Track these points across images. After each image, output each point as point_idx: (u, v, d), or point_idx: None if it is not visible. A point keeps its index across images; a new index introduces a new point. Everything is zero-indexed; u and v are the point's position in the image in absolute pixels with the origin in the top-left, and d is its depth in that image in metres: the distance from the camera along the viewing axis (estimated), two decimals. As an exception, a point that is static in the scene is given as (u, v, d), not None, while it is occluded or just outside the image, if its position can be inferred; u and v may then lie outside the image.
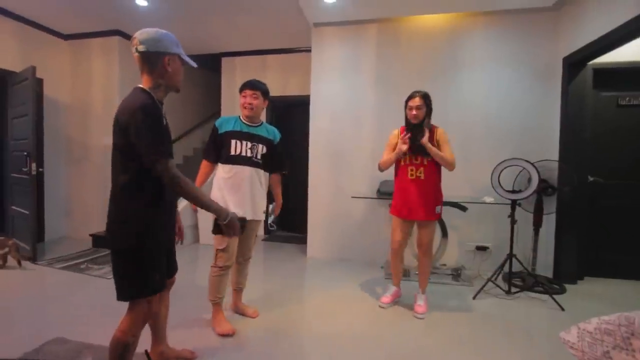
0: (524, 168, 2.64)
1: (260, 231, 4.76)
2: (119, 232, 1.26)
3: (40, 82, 3.97)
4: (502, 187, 2.71)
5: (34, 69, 3.36)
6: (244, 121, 2.11)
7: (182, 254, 3.76)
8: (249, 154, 2.06)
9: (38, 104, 3.92)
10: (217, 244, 2.04)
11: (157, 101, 1.31)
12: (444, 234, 3.17)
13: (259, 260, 3.68)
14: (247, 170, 2.04)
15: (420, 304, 2.39)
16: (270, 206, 2.32)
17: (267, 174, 2.24)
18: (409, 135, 2.25)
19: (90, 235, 4.03)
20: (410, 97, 2.29)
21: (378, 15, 3.48)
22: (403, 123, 2.38)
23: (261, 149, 2.11)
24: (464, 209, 3.06)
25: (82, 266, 3.26)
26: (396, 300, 2.57)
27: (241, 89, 2.10)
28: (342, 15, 3.51)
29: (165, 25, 3.89)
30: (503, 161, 2.70)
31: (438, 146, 2.26)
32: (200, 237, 4.29)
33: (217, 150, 2.08)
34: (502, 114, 3.29)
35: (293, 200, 4.87)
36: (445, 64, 3.40)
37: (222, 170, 2.06)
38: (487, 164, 3.18)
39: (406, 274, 3.18)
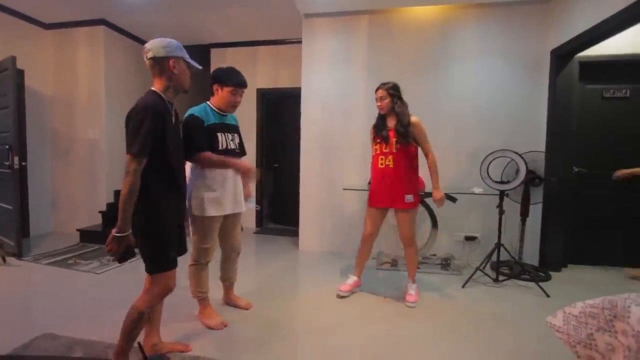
0: (512, 159, 2.68)
1: (252, 224, 4.75)
2: (136, 215, 1.40)
3: (21, 73, 3.84)
4: (490, 178, 2.75)
5: (13, 59, 3.23)
6: (217, 110, 1.99)
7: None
8: (232, 147, 2.00)
9: (19, 95, 3.79)
10: (199, 241, 1.97)
11: (167, 102, 1.47)
12: (434, 224, 3.21)
13: (251, 253, 3.66)
14: None
15: (411, 294, 2.42)
16: (250, 199, 2.24)
17: None
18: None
19: (78, 230, 3.95)
20: (377, 89, 2.34)
21: (370, 6, 3.46)
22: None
23: (237, 138, 2.07)
24: (454, 199, 3.08)
25: (70, 261, 3.21)
26: (355, 290, 2.57)
27: (234, 85, 1.94)
28: (333, 5, 3.47)
29: (152, 15, 3.79)
30: (492, 152, 2.73)
31: (416, 141, 2.30)
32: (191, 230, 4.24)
33: (207, 141, 1.93)
34: (492, 106, 3.32)
35: (285, 193, 4.87)
36: (437, 56, 3.40)
37: (207, 170, 1.92)
38: (478, 155, 3.22)
39: (394, 263, 3.21)
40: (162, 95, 1.47)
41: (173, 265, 1.51)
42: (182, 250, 1.65)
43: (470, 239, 3.36)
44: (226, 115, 2.05)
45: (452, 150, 3.40)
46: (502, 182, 2.78)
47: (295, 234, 4.15)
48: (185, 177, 1.65)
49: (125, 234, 1.36)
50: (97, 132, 4.13)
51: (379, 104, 2.32)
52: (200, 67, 1.58)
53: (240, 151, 2.11)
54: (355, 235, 3.62)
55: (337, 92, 3.64)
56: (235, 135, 2.06)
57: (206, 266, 2.05)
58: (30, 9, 3.80)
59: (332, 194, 3.67)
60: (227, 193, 1.97)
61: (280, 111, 4.89)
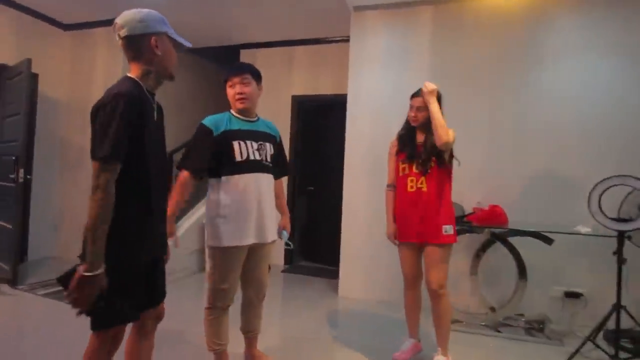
0: (634, 188, 2.45)
1: (280, 260, 4.68)
2: (86, 245, 1.26)
3: (35, 77, 4.19)
4: (603, 213, 2.51)
5: (29, 61, 3.54)
6: (239, 117, 2.02)
7: (184, 286, 3.73)
8: (257, 157, 1.96)
9: (32, 101, 4.12)
10: (215, 280, 1.92)
11: (145, 91, 1.36)
12: (522, 273, 2.99)
13: (277, 297, 3.62)
14: (259, 178, 1.95)
15: None
16: (284, 233, 2.19)
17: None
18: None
19: (79, 256, 4.09)
20: (413, 95, 2.33)
21: (435, -5, 3.43)
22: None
23: (269, 148, 2.04)
24: (548, 241, 2.88)
25: (68, 294, 3.28)
26: (417, 357, 2.41)
27: (225, 78, 2.02)
28: (389, -5, 3.49)
29: (178, 13, 4.02)
30: (605, 179, 2.51)
31: (441, 156, 2.22)
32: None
33: (208, 159, 1.91)
34: (601, 117, 3.11)
35: (321, 224, 4.79)
36: (523, 55, 3.28)
37: (223, 187, 1.89)
38: (582, 182, 2.99)
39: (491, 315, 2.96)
40: (140, 83, 1.36)
41: (123, 319, 1.32)
42: (156, 297, 1.46)
43: (572, 295, 3.08)
44: (255, 121, 2.06)
45: (545, 176, 3.20)
46: (620, 220, 2.53)
47: (333, 275, 4.05)
48: (167, 194, 1.52)
49: (99, 271, 1.18)
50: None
51: (413, 114, 2.29)
52: (189, 45, 1.48)
53: (275, 164, 2.08)
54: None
55: (392, 100, 3.58)
56: (267, 144, 2.04)
57: (225, 312, 2.00)
58: (50, 8, 4.18)
59: (382, 227, 3.51)
60: (249, 217, 1.92)
61: (320, 123, 4.91)
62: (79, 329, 2.64)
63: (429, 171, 2.23)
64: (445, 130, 2.12)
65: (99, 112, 1.25)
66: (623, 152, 3.04)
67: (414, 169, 2.27)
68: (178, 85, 5.23)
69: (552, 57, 3.22)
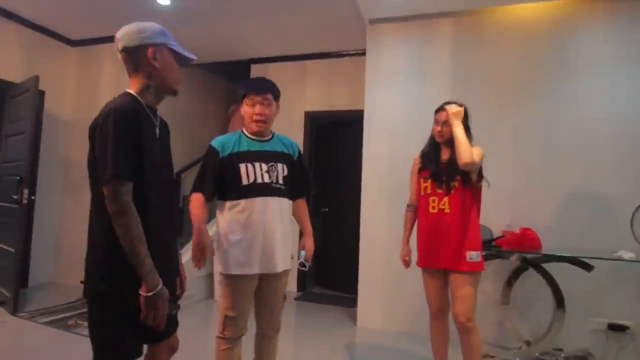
0: None
1: (292, 287, 4.62)
2: (91, 274, 1.30)
3: (41, 94, 4.31)
4: None
5: (37, 79, 3.64)
6: (250, 136, 2.00)
7: (192, 313, 3.70)
8: (267, 180, 1.93)
9: (37, 120, 4.23)
10: (224, 308, 1.91)
11: (145, 107, 1.36)
12: (559, 303, 2.89)
13: (290, 326, 3.56)
14: (267, 202, 1.91)
15: None
16: (302, 253, 2.14)
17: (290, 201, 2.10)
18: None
19: (82, 282, 4.09)
20: (438, 110, 2.33)
21: (455, 6, 3.46)
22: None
23: (281, 169, 1.99)
24: (588, 267, 2.78)
25: (70, 322, 3.29)
26: None
27: (245, 94, 1.97)
28: (407, 8, 3.52)
29: (188, 28, 4.12)
30: None
31: (467, 175, 2.20)
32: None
33: (216, 181, 1.93)
34: (637, 134, 3.05)
35: (336, 248, 4.73)
36: (551, 68, 3.27)
37: (229, 212, 1.90)
38: (623, 202, 2.94)
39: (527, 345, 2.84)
40: (139, 98, 1.36)
41: (129, 356, 1.31)
42: (168, 327, 1.37)
43: (617, 328, 2.96)
44: (268, 140, 2.03)
45: (579, 197, 3.13)
46: (669, 245, 2.42)
47: (350, 303, 4.01)
48: (173, 217, 1.49)
49: (159, 287, 1.22)
50: (114, 164, 4.42)
51: (439, 129, 2.28)
52: (193, 57, 1.47)
53: (293, 183, 2.04)
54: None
55: (411, 117, 3.58)
56: (280, 165, 2.00)
57: (237, 342, 1.96)
58: (57, 24, 4.32)
59: (403, 251, 3.47)
60: (254, 246, 1.89)
61: (334, 140, 4.92)
62: (82, 359, 2.62)
63: (452, 191, 2.19)
64: (467, 150, 2.10)
65: (95, 132, 1.26)
66: (667, 171, 2.97)
67: (437, 189, 2.23)
68: (187, 101, 5.34)
69: (582, 69, 3.19)
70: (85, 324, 3.22)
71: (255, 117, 1.95)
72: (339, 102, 4.65)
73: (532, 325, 3.09)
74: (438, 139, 2.30)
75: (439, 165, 2.26)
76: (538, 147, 3.25)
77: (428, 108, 3.51)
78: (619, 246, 2.81)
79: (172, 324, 1.47)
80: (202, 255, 1.85)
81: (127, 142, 1.23)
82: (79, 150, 4.59)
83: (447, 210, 2.19)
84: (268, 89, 1.97)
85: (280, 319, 2.09)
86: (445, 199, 2.20)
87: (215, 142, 1.99)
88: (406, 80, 3.63)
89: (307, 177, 2.21)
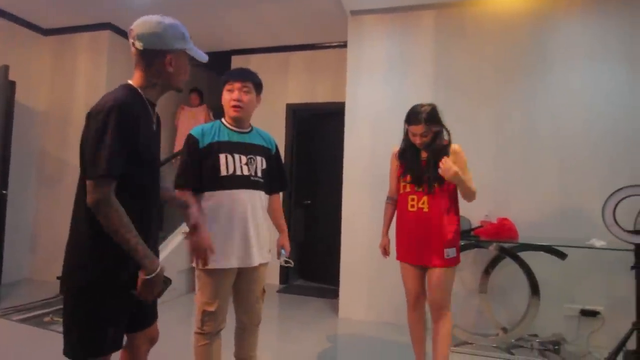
0: None
1: (275, 280, 4.63)
2: (70, 266, 1.31)
3: (12, 85, 4.16)
4: (619, 225, 2.53)
5: (6, 68, 3.53)
6: (230, 127, 2.00)
7: (172, 309, 3.67)
8: (245, 172, 1.94)
9: (8, 111, 4.09)
10: (203, 303, 1.90)
11: (146, 101, 1.37)
12: (534, 290, 2.97)
13: (273, 319, 3.57)
14: (244, 195, 1.91)
15: None
16: (282, 252, 2.17)
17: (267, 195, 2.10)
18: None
19: (58, 278, 4.01)
20: (410, 122, 2.24)
21: (436, -2, 3.48)
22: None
23: (260, 162, 2.00)
24: (562, 255, 2.88)
25: (46, 319, 3.22)
26: None
27: (225, 80, 1.99)
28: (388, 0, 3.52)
29: (166, 15, 4.04)
30: (619, 189, 2.55)
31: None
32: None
33: (198, 172, 1.90)
34: (614, 126, 3.14)
35: (319, 240, 4.75)
36: (530, 61, 3.32)
37: (205, 204, 1.89)
38: (595, 193, 3.01)
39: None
40: (140, 92, 1.36)
41: (109, 347, 1.30)
42: (147, 318, 1.46)
43: (589, 314, 3.07)
44: (247, 132, 2.03)
45: (554, 187, 3.21)
46: (638, 232, 2.55)
47: (333, 295, 4.03)
48: (156, 211, 1.49)
49: (157, 269, 1.26)
50: (91, 156, 4.32)
51: (419, 141, 2.22)
52: (205, 59, 1.48)
53: (270, 177, 2.05)
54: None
55: (393, 108, 3.59)
56: (258, 158, 2.00)
57: (216, 337, 1.95)
58: (29, 12, 4.18)
59: (385, 243, 3.51)
60: (232, 239, 1.89)
61: (316, 132, 4.92)
62: (59, 357, 2.58)
63: (431, 191, 2.21)
64: (473, 195, 2.19)
65: (90, 121, 1.25)
66: (637, 161, 3.06)
67: (416, 188, 2.26)
68: (166, 93, 5.24)
69: (560, 63, 3.26)
70: (61, 320, 3.19)
71: (233, 103, 1.95)
72: (321, 94, 4.64)
73: (509, 313, 3.18)
74: (419, 147, 2.26)
75: (419, 166, 2.26)
76: (517, 139, 3.32)
77: (409, 99, 3.52)
78: (592, 235, 2.90)
79: (152, 314, 1.48)
80: (204, 254, 1.75)
81: (124, 140, 1.23)
82: (54, 142, 4.48)
83: (425, 210, 2.22)
84: (247, 77, 1.98)
85: (260, 312, 2.09)
86: (424, 198, 2.23)
87: (195, 131, 1.97)
88: (387, 71, 3.65)
89: (284, 173, 2.21)
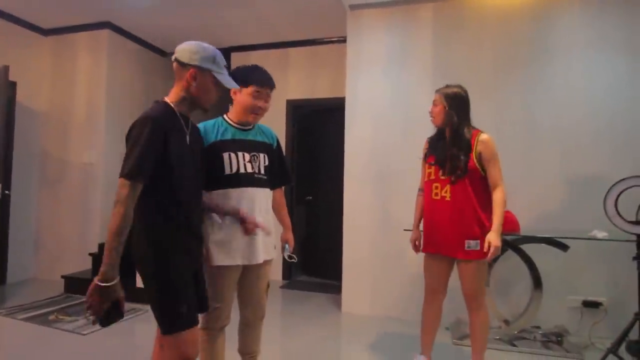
0: None
1: (278, 275, 4.64)
2: (139, 256, 1.49)
3: (13, 85, 4.18)
4: (621, 216, 2.52)
5: (6, 69, 3.52)
6: (234, 124, 1.97)
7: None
8: (249, 170, 1.92)
9: (9, 111, 4.11)
10: (208, 299, 1.89)
11: (178, 114, 1.54)
12: (536, 283, 2.98)
13: (276, 315, 3.58)
14: (249, 192, 1.91)
15: None
16: (286, 247, 2.21)
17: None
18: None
19: (63, 276, 4.05)
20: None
21: (435, -8, 3.47)
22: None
23: (263, 159, 1.98)
24: (564, 247, 2.89)
25: (51, 317, 3.26)
26: None
27: (258, 85, 1.90)
28: (387, -7, 3.52)
29: (165, 13, 4.03)
30: (621, 181, 2.53)
31: (480, 160, 2.19)
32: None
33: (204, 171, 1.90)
34: (615, 117, 3.13)
35: (321, 236, 4.76)
36: (530, 52, 3.32)
37: (210, 201, 1.88)
38: (597, 184, 3.01)
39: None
40: (173, 107, 1.54)
41: (188, 323, 1.49)
42: (203, 306, 1.69)
43: (591, 305, 3.07)
44: (249, 130, 2.01)
45: (556, 179, 3.21)
46: (639, 223, 2.51)
47: (336, 290, 4.03)
48: (199, 212, 1.69)
49: (111, 282, 1.32)
50: (93, 155, 4.34)
51: (430, 110, 2.30)
52: (234, 86, 1.65)
53: (273, 172, 2.04)
54: (422, 295, 3.40)
55: (393, 102, 3.60)
56: (261, 155, 1.99)
57: (221, 333, 1.96)
58: (29, 13, 4.18)
59: (388, 237, 3.53)
60: (236, 237, 1.88)
61: (317, 128, 4.92)
62: (63, 354, 2.62)
63: (453, 179, 2.18)
64: (505, 204, 2.19)
65: (130, 133, 1.43)
66: (638, 152, 3.06)
67: (440, 176, 2.23)
68: (166, 89, 5.24)
69: (560, 54, 3.25)
70: (67, 318, 3.25)
71: (257, 110, 1.93)
72: (321, 90, 4.63)
73: (511, 305, 3.19)
74: (433, 123, 2.30)
75: (444, 151, 2.23)
76: (517, 130, 3.31)
77: (409, 93, 3.58)
78: (595, 226, 2.90)
79: (206, 300, 1.71)
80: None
81: (152, 148, 1.40)
82: (56, 142, 4.49)
83: (447, 198, 2.20)
84: (273, 85, 1.96)
85: (264, 307, 2.10)
86: (447, 186, 2.20)
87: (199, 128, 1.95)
88: (387, 66, 3.64)
89: (286, 167, 2.20)
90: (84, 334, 2.92)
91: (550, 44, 3.28)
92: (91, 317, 1.36)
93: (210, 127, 1.95)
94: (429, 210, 2.30)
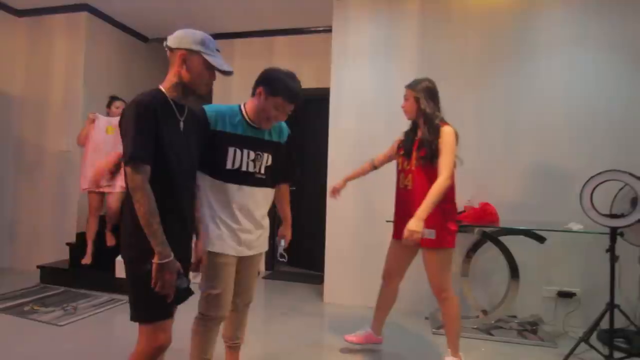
0: (626, 184, 2.51)
1: (261, 266, 4.63)
2: (123, 241, 1.51)
3: (-15, 68, 4.02)
4: (595, 209, 2.57)
5: (-22, 51, 3.38)
6: (249, 121, 1.92)
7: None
8: (251, 169, 1.91)
9: (-18, 96, 3.96)
10: (207, 285, 1.89)
11: (170, 101, 1.53)
12: (513, 273, 3.04)
13: (260, 305, 3.57)
14: (245, 192, 1.90)
15: None
16: (281, 242, 2.22)
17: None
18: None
19: (38, 266, 3.96)
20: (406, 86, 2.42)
21: (421, -17, 3.46)
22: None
23: (266, 159, 1.96)
24: (540, 239, 2.94)
25: (26, 308, 3.19)
26: (372, 347, 2.63)
27: (285, 98, 1.83)
28: (373, -16, 3.50)
29: (152, 2, 3.94)
30: (596, 175, 2.57)
31: (437, 150, 2.23)
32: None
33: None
34: (594, 113, 3.19)
35: (304, 227, 4.75)
36: (513, 48, 3.35)
37: (210, 191, 1.88)
38: (574, 178, 3.07)
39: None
40: (165, 93, 1.53)
41: (162, 314, 1.49)
42: (180, 296, 1.58)
43: (565, 295, 3.16)
44: (261, 129, 1.96)
45: (536, 172, 3.27)
46: (613, 216, 2.61)
47: (318, 280, 4.05)
48: (194, 202, 1.70)
49: (169, 258, 1.39)
50: (71, 142, 4.22)
51: (402, 105, 2.39)
52: (227, 70, 1.56)
53: (270, 174, 2.00)
54: (402, 285, 3.44)
55: (378, 93, 3.60)
56: (265, 155, 1.95)
57: (218, 324, 1.96)
58: (1, -9, 4.02)
59: (370, 228, 3.55)
60: (229, 230, 1.88)
61: (301, 119, 4.86)
62: (39, 346, 2.57)
63: (413, 168, 2.29)
64: (444, 190, 2.13)
65: (120, 124, 1.46)
66: (616, 148, 3.13)
67: (405, 166, 2.35)
68: (150, 77, 5.12)
69: (543, 50, 3.29)
70: (42, 309, 3.20)
71: (273, 120, 1.89)
72: (306, 80, 4.46)
73: (489, 295, 3.26)
74: (406, 117, 2.40)
75: (411, 142, 2.35)
76: (499, 124, 3.36)
77: (394, 84, 3.56)
78: (571, 219, 2.97)
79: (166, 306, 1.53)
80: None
81: (144, 130, 1.40)
82: (32, 128, 4.36)
83: (409, 187, 2.31)
84: (300, 101, 1.91)
85: (254, 293, 2.14)
86: (410, 176, 2.31)
87: (210, 110, 1.85)
88: (373, 57, 3.63)
89: (291, 163, 2.15)
90: (60, 325, 2.87)
91: (534, 38, 3.31)
92: (168, 297, 1.42)
93: (224, 113, 1.88)
94: (397, 198, 2.44)
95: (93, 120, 3.82)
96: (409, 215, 2.21)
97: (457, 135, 2.28)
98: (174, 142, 1.50)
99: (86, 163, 3.76)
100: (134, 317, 1.49)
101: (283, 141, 2.08)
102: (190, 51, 1.50)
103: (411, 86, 2.34)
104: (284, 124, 2.10)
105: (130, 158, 1.37)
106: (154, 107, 1.45)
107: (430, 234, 2.21)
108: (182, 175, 1.56)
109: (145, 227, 1.38)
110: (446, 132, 2.24)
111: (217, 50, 1.58)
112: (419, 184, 2.25)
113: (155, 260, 1.38)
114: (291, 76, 1.91)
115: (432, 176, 2.21)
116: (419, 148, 2.28)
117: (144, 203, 1.37)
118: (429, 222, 2.16)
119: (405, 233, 2.08)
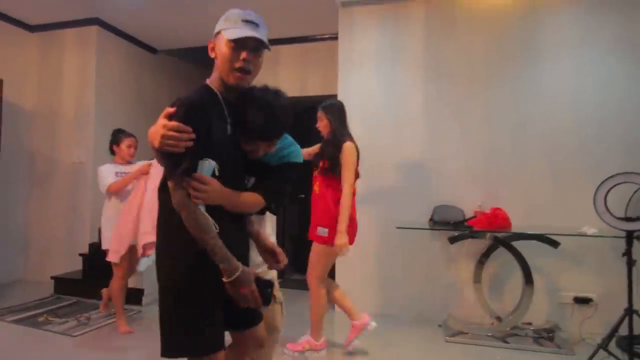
0: None
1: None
2: (162, 264, 1.29)
3: (0, 83, 4.11)
4: (610, 212, 2.54)
5: (-7, 66, 3.46)
6: None
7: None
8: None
9: (-4, 110, 4.04)
10: None
11: (220, 98, 1.29)
12: (527, 279, 3.00)
13: None
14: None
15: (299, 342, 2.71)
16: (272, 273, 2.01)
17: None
18: None
19: (52, 277, 4.01)
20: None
21: (426, -11, 3.47)
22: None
23: (251, 181, 1.60)
24: (554, 244, 2.90)
25: (40, 319, 3.22)
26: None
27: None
28: (379, -9, 3.52)
29: (154, 11, 3.99)
30: (610, 177, 2.55)
31: (339, 162, 2.55)
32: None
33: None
34: (605, 115, 3.16)
35: (313, 233, 4.74)
36: (519, 51, 3.33)
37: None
38: (586, 181, 3.02)
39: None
40: (213, 89, 1.29)
41: (209, 348, 1.25)
42: (249, 317, 1.41)
43: (582, 301, 3.11)
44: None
45: (546, 176, 3.23)
46: (629, 219, 2.57)
47: (328, 288, 4.00)
48: (241, 225, 1.42)
49: (237, 272, 1.20)
50: (83, 154, 4.28)
51: (317, 125, 2.72)
52: (240, 34, 1.25)
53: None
54: (413, 291, 3.43)
55: (384, 100, 3.61)
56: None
57: None
58: (14, 8, 4.11)
59: (379, 235, 3.54)
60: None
61: (308, 125, 4.87)
62: (53, 357, 2.59)
63: (317, 174, 2.64)
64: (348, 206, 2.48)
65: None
66: (628, 150, 3.09)
67: (316, 173, 2.68)
68: (157, 88, 5.20)
69: (550, 53, 3.27)
70: (56, 320, 3.20)
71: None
72: (312, 88, 4.61)
73: (503, 302, 3.22)
74: (322, 135, 2.72)
75: (322, 153, 2.67)
76: (507, 128, 3.33)
77: (400, 91, 3.58)
78: (585, 223, 2.93)
79: (251, 315, 1.42)
80: None
81: (194, 134, 1.19)
82: (44, 141, 4.44)
83: (317, 192, 2.64)
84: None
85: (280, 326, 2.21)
86: (317, 182, 2.65)
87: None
88: (379, 63, 3.64)
89: (277, 188, 1.63)
90: (74, 336, 2.89)
91: (540, 41, 3.29)
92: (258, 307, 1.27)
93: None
94: (311, 200, 2.71)
95: (147, 172, 2.86)
96: (315, 216, 2.61)
97: (357, 150, 2.58)
98: (224, 149, 1.29)
99: (113, 223, 2.94)
100: (166, 348, 1.25)
101: (274, 162, 1.61)
102: (215, 35, 1.30)
103: (325, 108, 2.67)
104: (288, 143, 1.68)
105: (175, 169, 1.18)
106: (205, 107, 1.25)
107: (324, 232, 2.54)
108: (232, 185, 1.32)
109: (204, 245, 1.19)
110: (346, 148, 2.52)
111: (248, 22, 1.28)
112: (322, 190, 2.60)
113: (225, 280, 1.21)
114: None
115: (331, 183, 2.57)
116: (323, 159, 2.60)
117: (194, 219, 1.19)
118: (325, 221, 2.55)
119: (336, 250, 2.45)
